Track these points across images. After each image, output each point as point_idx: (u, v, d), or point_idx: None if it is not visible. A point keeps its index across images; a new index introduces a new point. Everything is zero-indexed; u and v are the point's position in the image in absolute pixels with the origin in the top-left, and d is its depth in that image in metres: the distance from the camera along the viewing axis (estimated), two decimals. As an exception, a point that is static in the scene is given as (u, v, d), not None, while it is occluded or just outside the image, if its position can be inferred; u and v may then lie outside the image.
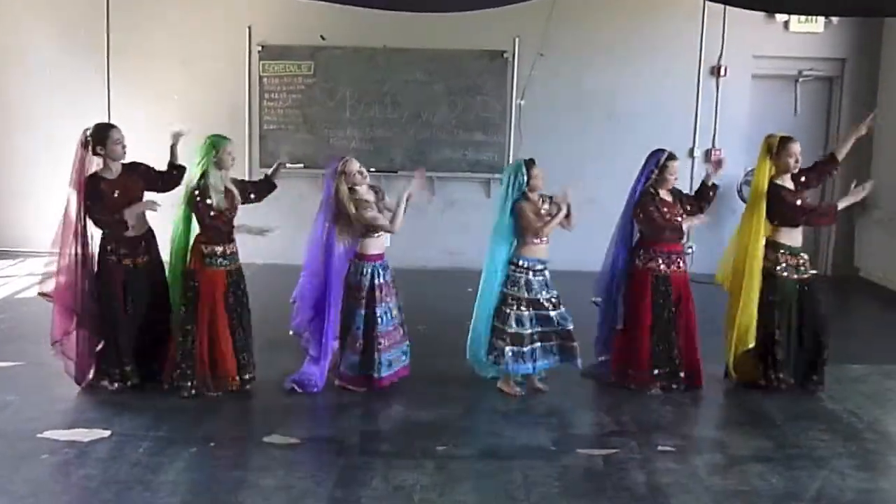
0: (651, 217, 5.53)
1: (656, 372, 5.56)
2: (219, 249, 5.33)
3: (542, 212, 5.42)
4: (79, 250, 5.24)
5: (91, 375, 5.35)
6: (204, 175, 5.25)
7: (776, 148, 5.59)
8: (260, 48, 9.71)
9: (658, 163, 5.57)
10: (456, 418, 5.15)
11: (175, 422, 4.93)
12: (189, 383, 5.24)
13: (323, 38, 9.66)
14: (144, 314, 5.38)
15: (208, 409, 5.13)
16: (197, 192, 5.23)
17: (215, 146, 5.29)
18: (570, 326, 5.49)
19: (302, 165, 9.79)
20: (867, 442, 4.87)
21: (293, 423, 5.00)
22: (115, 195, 5.27)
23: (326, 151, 9.78)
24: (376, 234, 5.44)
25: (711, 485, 4.25)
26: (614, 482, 4.26)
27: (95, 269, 5.36)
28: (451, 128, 9.82)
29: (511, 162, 9.73)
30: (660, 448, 4.69)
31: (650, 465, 4.45)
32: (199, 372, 5.25)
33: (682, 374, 5.58)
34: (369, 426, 4.98)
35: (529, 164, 5.47)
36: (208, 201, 5.23)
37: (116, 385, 5.34)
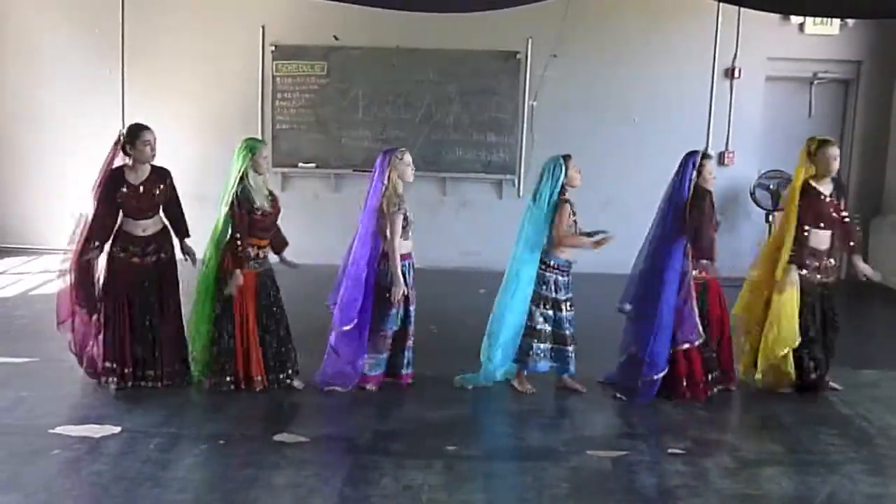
0: (709, 222, 5.43)
1: (710, 378, 5.53)
2: (251, 252, 5.33)
3: (576, 216, 5.43)
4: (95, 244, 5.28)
5: (100, 368, 5.35)
6: (243, 178, 5.25)
7: (813, 150, 5.54)
8: (273, 48, 9.75)
9: (695, 164, 5.40)
10: (466, 418, 5.16)
11: (186, 419, 4.96)
12: (228, 378, 5.31)
13: (336, 38, 9.69)
14: (150, 314, 5.36)
15: (219, 407, 5.15)
16: (237, 196, 5.21)
17: (251, 150, 5.28)
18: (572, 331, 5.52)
19: (314, 165, 9.83)
20: (879, 447, 4.83)
21: (303, 421, 5.01)
22: (134, 202, 5.30)
23: (339, 151, 9.85)
24: (409, 233, 5.44)
25: (721, 488, 4.22)
26: (623, 484, 4.25)
27: (105, 265, 5.39)
28: (464, 128, 9.82)
29: (522, 162, 9.76)
30: (669, 451, 4.66)
31: (660, 468, 4.44)
32: (235, 368, 5.31)
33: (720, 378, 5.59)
34: (379, 425, 4.98)
35: (567, 158, 5.43)
36: (254, 205, 5.25)
37: (113, 385, 5.31)
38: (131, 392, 5.27)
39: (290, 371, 5.49)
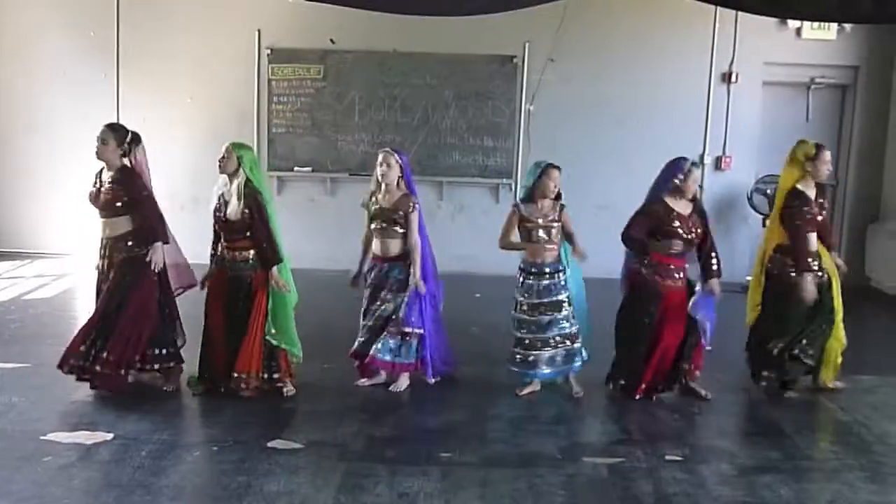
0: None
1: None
2: (227, 254, 5.35)
3: (532, 223, 5.45)
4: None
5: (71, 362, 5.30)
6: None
7: (813, 155, 5.57)
8: (269, 51, 9.72)
9: (683, 171, 5.39)
10: (462, 425, 5.11)
11: (179, 425, 4.93)
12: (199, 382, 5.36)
13: (332, 41, 9.67)
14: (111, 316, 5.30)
15: (212, 413, 5.11)
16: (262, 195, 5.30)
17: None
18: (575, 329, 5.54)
19: (310, 169, 9.80)
20: (877, 454, 4.80)
21: (297, 427, 4.96)
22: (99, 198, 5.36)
23: (335, 155, 9.82)
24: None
25: (719, 495, 4.19)
26: (620, 492, 4.21)
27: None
28: (461, 132, 9.80)
29: (519, 167, 9.75)
30: (667, 457, 4.63)
31: (657, 475, 4.40)
32: (211, 371, 5.33)
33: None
34: (374, 431, 4.94)
35: (549, 166, 5.46)
36: (216, 207, 5.34)
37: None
38: (125, 398, 5.23)
39: (276, 376, 5.41)
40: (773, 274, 5.67)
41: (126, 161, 5.34)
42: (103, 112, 9.52)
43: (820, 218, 5.66)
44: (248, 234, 5.27)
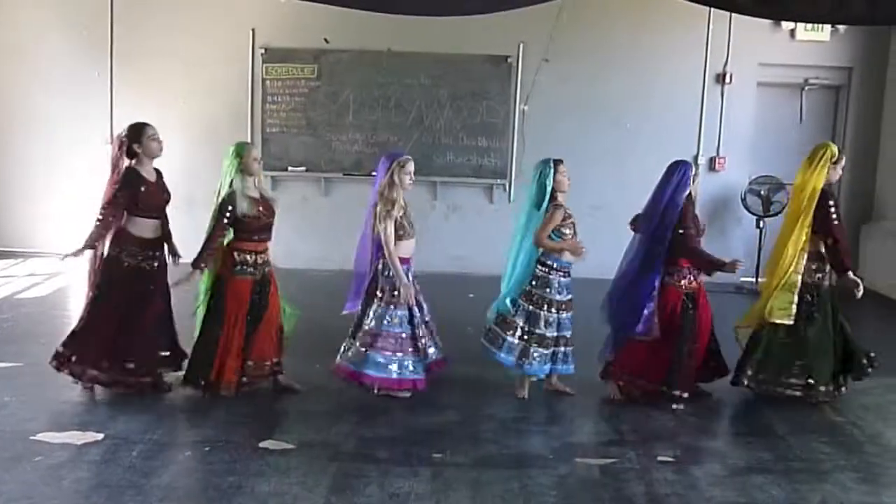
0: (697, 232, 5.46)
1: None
2: (249, 258, 5.30)
3: (565, 229, 5.43)
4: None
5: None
6: (232, 183, 5.24)
7: (837, 157, 5.53)
8: (263, 51, 9.71)
9: (691, 176, 5.40)
10: (454, 425, 5.10)
11: (170, 425, 4.90)
12: (201, 381, 5.29)
13: (327, 41, 9.67)
14: (137, 317, 5.26)
15: (204, 413, 5.09)
16: (224, 201, 5.20)
17: (239, 154, 5.26)
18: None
19: (304, 169, 9.80)
20: (869, 455, 4.81)
21: (289, 427, 4.95)
22: (152, 197, 5.27)
23: (329, 155, 9.82)
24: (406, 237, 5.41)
25: (711, 496, 4.18)
26: (612, 492, 4.21)
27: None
28: (455, 132, 9.80)
29: (513, 167, 9.74)
30: (659, 458, 4.63)
31: (649, 476, 4.39)
32: (209, 371, 5.28)
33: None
34: (366, 432, 4.93)
35: (557, 163, 5.45)
36: (239, 210, 5.21)
37: (81, 384, 5.32)
38: (117, 398, 5.22)
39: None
40: (806, 282, 5.53)
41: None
42: (98, 112, 9.54)
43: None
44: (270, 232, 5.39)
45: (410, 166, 5.38)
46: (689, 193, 5.42)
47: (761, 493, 4.24)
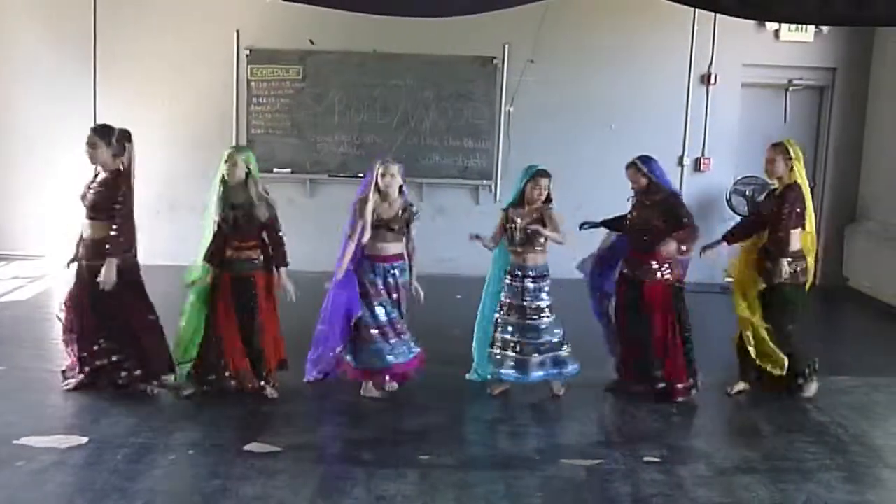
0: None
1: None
2: (231, 254, 5.34)
3: (513, 224, 5.45)
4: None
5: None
6: (221, 185, 5.35)
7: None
8: (248, 52, 9.66)
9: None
10: (440, 427, 5.10)
11: (155, 428, 4.86)
12: (211, 377, 5.34)
13: (312, 42, 9.62)
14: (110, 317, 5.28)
15: (188, 416, 5.07)
16: (215, 202, 5.32)
17: (224, 159, 5.36)
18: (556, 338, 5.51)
19: (289, 170, 9.75)
20: (854, 454, 4.83)
21: (274, 429, 4.93)
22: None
23: (314, 157, 9.77)
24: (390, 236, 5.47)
25: (697, 496, 4.20)
26: (598, 493, 4.22)
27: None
28: (441, 134, 9.77)
29: (499, 168, 9.75)
30: (645, 459, 4.64)
31: (635, 476, 4.40)
32: (217, 370, 5.34)
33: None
34: (352, 434, 4.92)
35: (536, 173, 5.46)
36: (215, 212, 5.32)
37: (71, 384, 5.34)
38: (101, 401, 5.20)
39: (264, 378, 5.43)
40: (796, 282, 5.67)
41: (121, 161, 5.29)
42: (81, 113, 9.46)
43: None
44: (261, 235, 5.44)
45: (391, 168, 5.41)
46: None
47: (747, 492, 4.25)
